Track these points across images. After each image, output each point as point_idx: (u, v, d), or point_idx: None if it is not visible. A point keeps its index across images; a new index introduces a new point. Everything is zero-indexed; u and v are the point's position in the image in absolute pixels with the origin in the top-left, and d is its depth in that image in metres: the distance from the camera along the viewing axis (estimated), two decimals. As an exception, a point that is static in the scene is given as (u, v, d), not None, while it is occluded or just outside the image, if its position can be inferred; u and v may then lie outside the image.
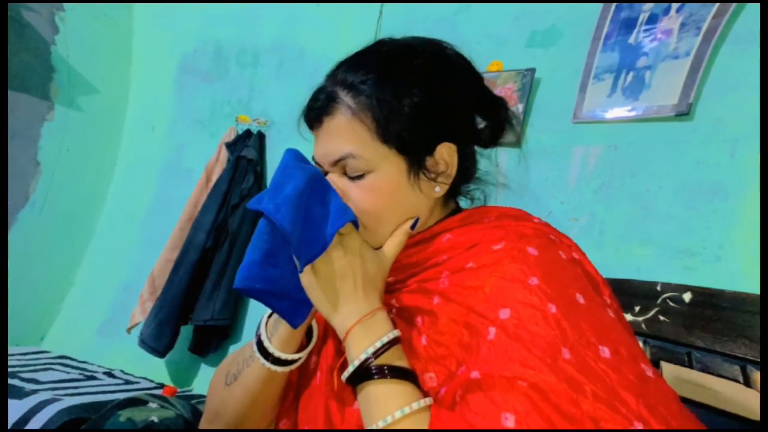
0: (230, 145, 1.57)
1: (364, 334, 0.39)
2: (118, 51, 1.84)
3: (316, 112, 0.44)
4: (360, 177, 0.42)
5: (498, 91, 1.15)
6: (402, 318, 0.43)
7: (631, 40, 0.97)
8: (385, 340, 0.38)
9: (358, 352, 0.38)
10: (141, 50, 1.88)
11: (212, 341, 1.41)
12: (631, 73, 0.95)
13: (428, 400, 0.37)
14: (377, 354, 0.38)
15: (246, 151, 1.53)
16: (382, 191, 0.42)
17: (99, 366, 1.38)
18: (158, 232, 1.58)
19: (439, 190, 0.44)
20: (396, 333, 0.39)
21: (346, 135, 0.42)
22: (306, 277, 0.40)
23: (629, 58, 0.96)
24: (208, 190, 1.56)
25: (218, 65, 1.70)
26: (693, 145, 0.88)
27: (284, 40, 1.56)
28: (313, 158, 0.46)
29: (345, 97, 0.42)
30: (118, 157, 1.87)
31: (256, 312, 1.46)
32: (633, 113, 0.94)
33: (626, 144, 0.96)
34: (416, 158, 0.43)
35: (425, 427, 0.35)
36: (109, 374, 1.31)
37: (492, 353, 0.35)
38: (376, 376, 0.37)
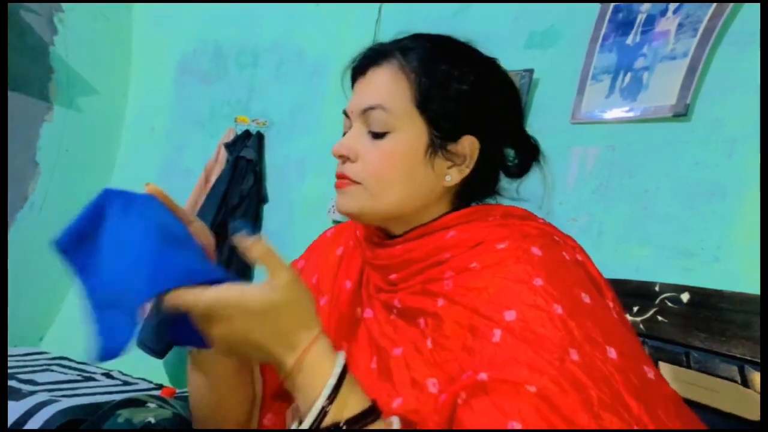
0: (229, 146, 1.57)
1: (300, 396, 0.35)
2: (118, 52, 1.84)
3: (365, 61, 0.45)
4: (381, 136, 0.42)
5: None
6: (404, 319, 0.43)
7: (629, 41, 0.97)
8: (315, 413, 0.33)
9: (303, 414, 0.34)
10: (140, 51, 1.88)
11: (211, 342, 1.41)
12: (629, 74, 0.96)
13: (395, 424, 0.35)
14: (321, 418, 0.33)
15: (245, 151, 1.53)
16: (398, 155, 0.42)
17: (98, 367, 1.38)
18: (157, 232, 1.57)
19: (450, 179, 0.44)
20: (332, 381, 0.33)
21: (385, 87, 0.43)
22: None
23: (627, 59, 0.97)
24: (207, 190, 1.56)
25: (217, 65, 1.70)
26: (691, 145, 0.89)
27: (283, 40, 1.57)
28: (344, 111, 0.46)
29: (398, 56, 0.43)
30: (117, 158, 1.87)
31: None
32: (631, 114, 0.95)
33: (624, 144, 0.96)
34: (440, 136, 0.43)
35: None
36: (108, 375, 1.30)
37: (499, 355, 0.35)
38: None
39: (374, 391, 0.38)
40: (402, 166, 0.42)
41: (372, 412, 0.35)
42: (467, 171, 0.44)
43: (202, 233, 0.38)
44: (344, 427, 0.33)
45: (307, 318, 0.35)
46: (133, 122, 1.87)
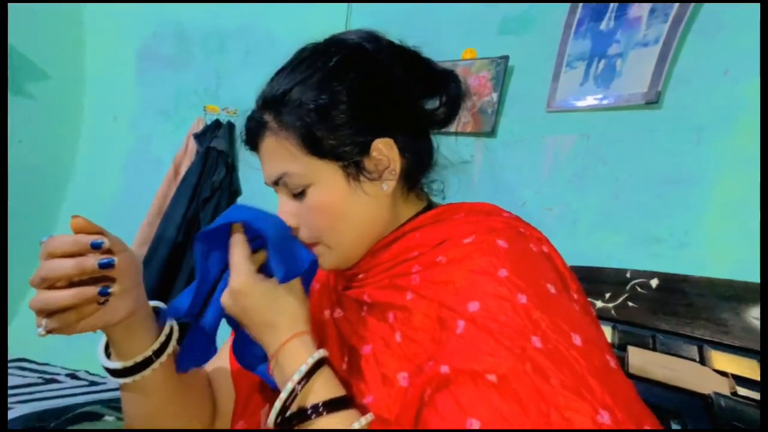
0: (198, 136, 1.50)
1: (278, 378, 0.38)
2: (68, 33, 1.71)
3: (250, 140, 0.44)
4: (301, 195, 0.42)
5: (472, 79, 1.13)
6: (373, 314, 0.43)
7: (603, 26, 0.97)
8: (284, 394, 0.36)
9: (282, 386, 0.37)
10: (93, 32, 1.76)
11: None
12: (603, 61, 0.96)
13: (367, 418, 0.35)
14: (294, 394, 0.36)
15: (216, 142, 1.47)
16: (325, 204, 0.42)
17: (62, 368, 1.31)
18: (125, 227, 1.49)
19: (386, 187, 0.43)
20: (304, 367, 0.36)
21: (278, 155, 0.42)
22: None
23: (601, 46, 0.97)
24: (177, 183, 1.49)
25: (181, 50, 1.61)
26: (661, 133, 0.90)
27: (251, 23, 1.49)
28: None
29: (269, 119, 0.42)
30: (78, 149, 1.76)
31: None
32: (605, 102, 0.95)
33: (598, 133, 0.97)
34: (351, 162, 0.42)
35: None
36: (73, 376, 1.24)
37: (460, 346, 0.35)
38: (312, 416, 0.35)
39: (346, 391, 0.38)
40: (335, 210, 0.42)
41: (341, 402, 0.36)
42: (398, 168, 0.43)
43: (131, 264, 0.38)
44: (309, 412, 0.35)
45: (299, 316, 0.40)
46: (93, 111, 1.76)
